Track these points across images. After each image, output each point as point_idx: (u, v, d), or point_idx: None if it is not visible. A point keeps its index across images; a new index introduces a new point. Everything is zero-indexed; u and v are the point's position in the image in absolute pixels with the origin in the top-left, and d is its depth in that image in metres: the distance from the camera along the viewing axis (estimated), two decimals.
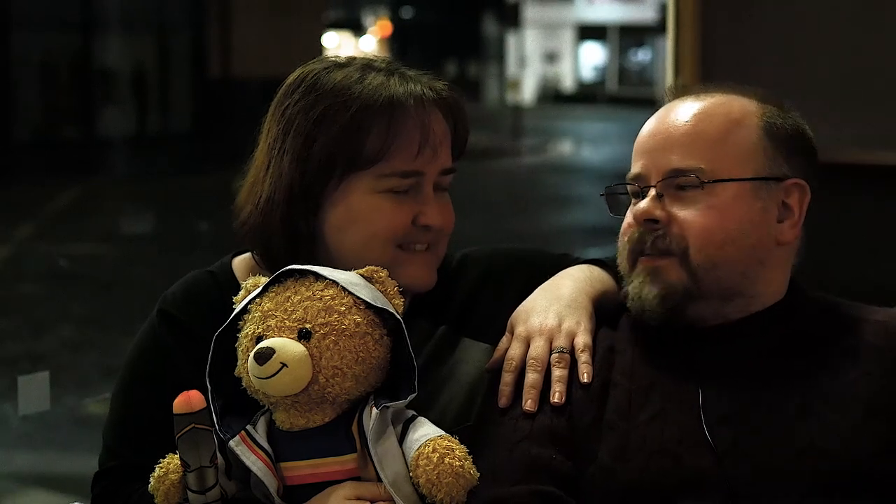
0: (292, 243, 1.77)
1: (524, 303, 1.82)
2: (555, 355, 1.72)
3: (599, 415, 1.67)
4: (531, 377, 1.71)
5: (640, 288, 1.70)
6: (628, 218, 1.75)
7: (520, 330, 1.77)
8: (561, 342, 1.73)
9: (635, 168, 1.75)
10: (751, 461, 1.59)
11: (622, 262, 1.75)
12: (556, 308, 1.78)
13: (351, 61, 1.83)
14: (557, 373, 1.71)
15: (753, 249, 1.70)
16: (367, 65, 1.81)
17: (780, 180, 1.72)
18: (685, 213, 1.69)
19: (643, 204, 1.71)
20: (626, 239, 1.74)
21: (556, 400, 1.69)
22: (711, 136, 1.71)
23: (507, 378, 1.73)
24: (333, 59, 1.84)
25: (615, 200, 1.81)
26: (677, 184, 1.70)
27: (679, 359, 1.70)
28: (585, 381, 1.70)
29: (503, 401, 1.72)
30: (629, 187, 1.77)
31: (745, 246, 1.69)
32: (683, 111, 1.75)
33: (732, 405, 1.64)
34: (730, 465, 1.59)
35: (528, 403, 1.69)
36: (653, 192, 1.71)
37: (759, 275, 1.71)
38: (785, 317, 1.72)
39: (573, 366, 1.72)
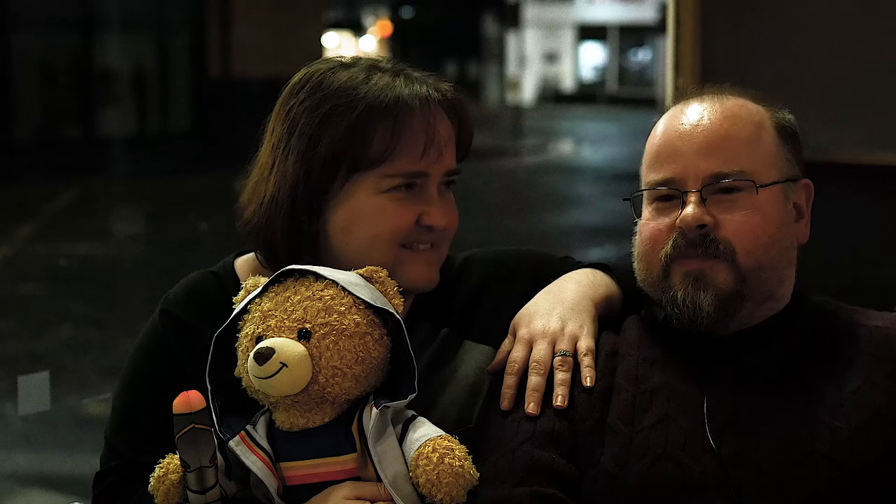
0: (296, 243, 1.77)
1: (527, 306, 1.82)
2: (557, 358, 1.72)
3: (602, 418, 1.67)
4: (533, 380, 1.71)
5: (691, 295, 1.67)
6: (656, 223, 1.72)
7: (522, 333, 1.77)
8: (564, 345, 1.73)
9: (665, 172, 1.72)
10: (754, 467, 1.58)
11: (651, 269, 1.73)
12: (559, 311, 1.78)
13: (356, 61, 1.83)
14: (560, 376, 1.71)
15: (787, 251, 1.73)
16: (372, 65, 1.81)
17: (795, 181, 1.75)
18: (731, 217, 1.68)
19: (692, 210, 1.68)
20: (658, 245, 1.71)
21: (558, 403, 1.68)
22: (745, 138, 1.72)
23: (510, 381, 1.73)
24: (339, 59, 1.84)
25: (640, 205, 1.79)
26: (721, 188, 1.68)
27: (684, 364, 1.70)
28: (588, 384, 1.69)
29: (505, 403, 1.72)
30: (656, 191, 1.73)
31: (783, 247, 1.71)
32: (708, 113, 1.73)
33: (737, 411, 1.63)
34: (733, 471, 1.58)
35: (531, 406, 1.69)
36: (696, 197, 1.69)
37: (786, 276, 1.74)
38: (789, 324, 1.72)
39: (576, 369, 1.72)
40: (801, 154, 1.78)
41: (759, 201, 1.69)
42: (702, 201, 1.68)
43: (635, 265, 1.77)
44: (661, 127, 1.77)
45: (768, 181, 1.70)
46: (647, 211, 1.75)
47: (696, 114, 1.74)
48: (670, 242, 1.70)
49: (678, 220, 1.69)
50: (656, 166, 1.74)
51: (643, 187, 1.76)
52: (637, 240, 1.76)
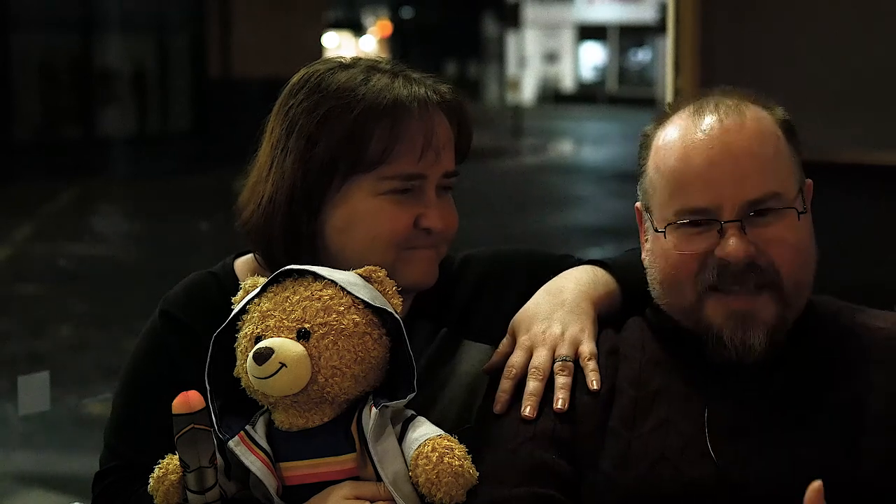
0: (294, 244, 1.77)
1: (526, 306, 1.81)
2: (558, 364, 1.71)
3: (603, 421, 1.66)
4: (532, 385, 1.70)
5: (741, 336, 1.63)
6: (686, 250, 1.66)
7: (523, 339, 1.76)
8: (564, 350, 1.72)
9: (697, 200, 1.65)
10: (752, 475, 1.57)
11: (682, 296, 1.67)
12: (559, 314, 1.77)
13: (356, 62, 1.82)
14: (561, 380, 1.69)
15: (814, 259, 1.70)
16: (371, 66, 1.80)
17: (804, 182, 1.73)
18: (772, 239, 1.64)
19: (736, 242, 1.62)
20: (689, 273, 1.66)
21: (559, 407, 1.67)
22: (772, 157, 1.67)
23: (506, 385, 1.72)
24: (338, 59, 1.84)
25: (646, 220, 1.74)
26: (758, 212, 1.64)
27: (687, 368, 1.69)
28: (595, 388, 1.68)
29: (499, 407, 1.71)
30: (686, 219, 1.66)
31: (814, 259, 1.69)
32: (733, 134, 1.66)
33: (737, 417, 1.62)
34: (731, 478, 1.57)
35: (528, 410, 1.68)
36: (736, 227, 1.63)
37: (812, 286, 1.71)
38: (796, 333, 1.70)
39: (577, 372, 1.71)
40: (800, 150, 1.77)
41: (792, 220, 1.66)
42: (742, 229, 1.63)
43: (654, 286, 1.73)
44: (678, 143, 1.69)
45: (794, 193, 1.67)
46: (672, 237, 1.68)
47: (718, 132, 1.67)
48: (712, 272, 1.64)
49: (722, 253, 1.63)
50: (683, 193, 1.67)
51: (671, 215, 1.67)
52: (658, 264, 1.71)
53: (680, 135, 1.70)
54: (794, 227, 1.66)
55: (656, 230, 1.71)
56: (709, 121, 1.68)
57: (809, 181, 1.75)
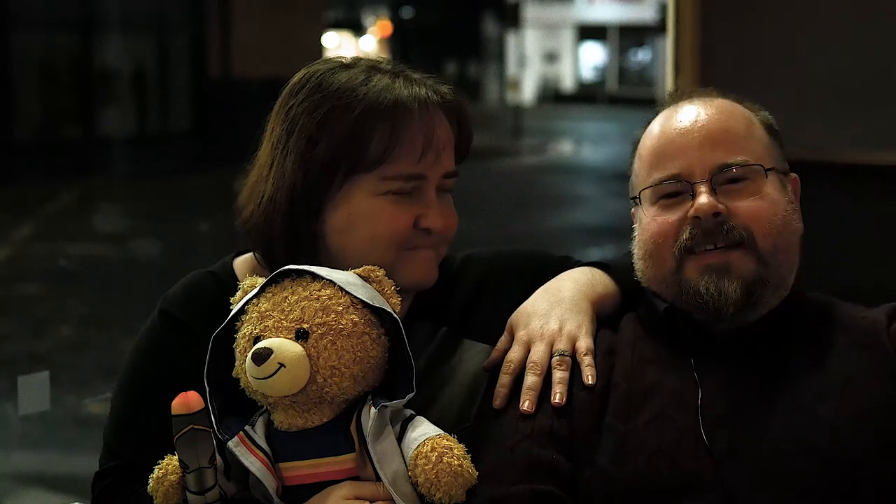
0: (293, 244, 1.77)
1: (525, 304, 1.82)
2: (555, 358, 1.72)
3: (600, 417, 1.67)
4: (530, 380, 1.71)
5: (716, 284, 1.68)
6: (664, 218, 1.73)
7: (521, 334, 1.77)
8: (562, 346, 1.73)
9: (670, 169, 1.74)
10: (747, 463, 1.59)
11: (663, 263, 1.73)
12: (557, 311, 1.78)
13: (356, 62, 1.82)
14: (558, 375, 1.71)
15: (793, 235, 1.75)
16: (372, 66, 1.81)
17: (786, 174, 1.79)
18: (743, 203, 1.70)
19: (705, 199, 1.70)
20: (668, 239, 1.72)
21: (557, 401, 1.69)
22: (742, 131, 1.76)
23: (505, 380, 1.73)
24: (339, 59, 1.84)
25: (637, 208, 1.80)
26: (728, 178, 1.71)
27: (679, 361, 1.70)
28: (590, 382, 1.70)
29: (498, 402, 1.72)
30: (661, 188, 1.74)
31: (791, 231, 1.74)
32: (703, 110, 1.77)
33: (730, 407, 1.64)
34: (727, 467, 1.59)
35: (526, 404, 1.69)
36: (706, 187, 1.71)
37: (794, 263, 1.76)
38: (785, 319, 1.73)
39: (575, 368, 1.72)
40: (783, 152, 1.82)
41: (765, 187, 1.72)
42: (712, 191, 1.70)
43: (638, 264, 1.78)
44: (656, 128, 1.80)
45: (769, 167, 1.74)
46: (651, 209, 1.75)
47: (690, 112, 1.78)
48: (685, 234, 1.70)
49: (692, 210, 1.70)
50: (659, 165, 1.76)
51: (647, 187, 1.76)
52: (640, 238, 1.77)
53: (659, 120, 1.81)
54: (767, 196, 1.72)
55: (633, 198, 1.80)
56: (682, 105, 1.80)
57: (795, 175, 1.80)
